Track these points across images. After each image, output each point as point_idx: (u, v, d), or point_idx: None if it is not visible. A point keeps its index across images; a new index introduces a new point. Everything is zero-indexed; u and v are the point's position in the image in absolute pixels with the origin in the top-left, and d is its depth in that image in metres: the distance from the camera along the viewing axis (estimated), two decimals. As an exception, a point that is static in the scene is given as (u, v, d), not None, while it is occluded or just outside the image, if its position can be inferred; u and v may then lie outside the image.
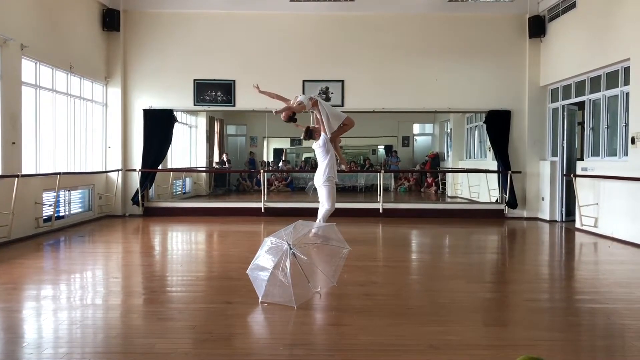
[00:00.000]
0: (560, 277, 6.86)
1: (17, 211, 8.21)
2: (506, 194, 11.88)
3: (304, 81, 12.07)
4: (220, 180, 18.35)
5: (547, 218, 11.59)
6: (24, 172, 8.65)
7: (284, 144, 22.11)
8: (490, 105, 12.11)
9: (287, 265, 4.63)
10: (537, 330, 4.36)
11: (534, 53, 11.96)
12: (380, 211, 11.97)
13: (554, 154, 11.70)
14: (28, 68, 9.01)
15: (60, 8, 10.01)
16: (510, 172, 11.79)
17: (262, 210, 11.95)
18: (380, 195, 12.34)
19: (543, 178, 11.83)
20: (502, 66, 12.08)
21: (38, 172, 9.27)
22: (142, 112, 12.03)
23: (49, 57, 9.59)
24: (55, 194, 9.46)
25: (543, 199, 11.81)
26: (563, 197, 11.41)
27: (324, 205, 8.24)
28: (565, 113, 11.26)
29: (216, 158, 18.35)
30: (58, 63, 9.91)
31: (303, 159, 21.70)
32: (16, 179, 8.12)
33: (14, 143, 8.40)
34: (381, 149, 22.19)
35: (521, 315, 4.90)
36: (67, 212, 10.32)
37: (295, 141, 21.67)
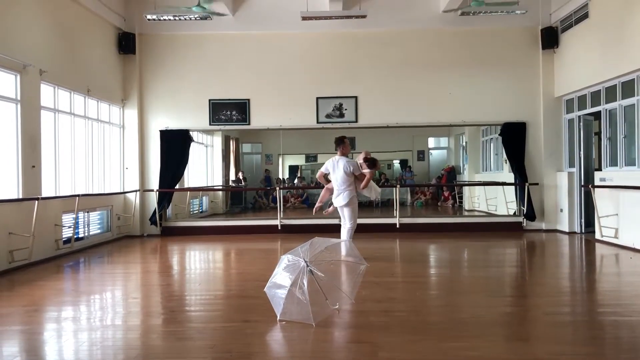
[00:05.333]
0: (581, 289, 6.75)
1: (37, 233, 8.31)
2: (524, 207, 11.77)
3: (317, 98, 12.14)
4: (237, 198, 18.42)
5: (567, 230, 11.45)
6: (44, 194, 8.76)
7: (299, 160, 22.19)
8: (505, 117, 12.07)
9: (305, 282, 4.63)
10: (559, 345, 4.30)
11: (548, 64, 11.92)
12: (397, 226, 11.92)
13: (571, 165, 11.60)
14: (47, 92, 9.18)
15: (77, 33, 10.22)
16: (527, 184, 11.70)
17: (279, 228, 11.96)
18: (396, 210, 12.27)
19: (561, 189, 11.71)
20: (515, 78, 12.05)
21: (57, 195, 9.40)
22: (158, 132, 12.18)
23: (67, 81, 9.77)
24: (74, 215, 9.57)
25: (561, 210, 11.69)
26: (582, 208, 11.27)
27: (346, 225, 8.21)
28: (581, 123, 11.17)
29: (232, 176, 18.46)
30: (76, 87, 10.09)
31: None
32: (36, 201, 8.24)
33: (33, 166, 8.55)
34: (396, 163, 22.17)
35: (543, 329, 4.83)
36: (86, 234, 10.42)
37: (310, 158, 21.74)
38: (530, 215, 11.77)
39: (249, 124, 12.30)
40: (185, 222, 12.70)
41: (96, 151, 11.03)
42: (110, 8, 11.25)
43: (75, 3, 10.01)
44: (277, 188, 13.39)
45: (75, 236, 9.67)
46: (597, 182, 10.26)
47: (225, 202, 17.37)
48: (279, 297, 4.83)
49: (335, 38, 12.23)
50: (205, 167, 16.47)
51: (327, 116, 12.17)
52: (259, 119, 12.25)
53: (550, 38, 11.71)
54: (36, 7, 8.89)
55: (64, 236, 9.43)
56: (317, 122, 12.21)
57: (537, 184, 11.85)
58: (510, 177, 12.57)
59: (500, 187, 13.09)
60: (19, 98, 8.27)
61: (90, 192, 10.58)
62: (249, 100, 12.21)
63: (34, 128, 8.63)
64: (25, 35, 8.53)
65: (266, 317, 4.99)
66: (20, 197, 8.22)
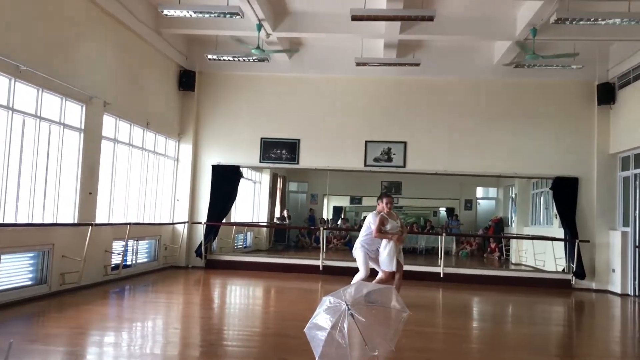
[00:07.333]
0: (633, 355, 6.45)
1: (88, 258, 8.59)
2: (573, 264, 11.38)
3: (366, 142, 12.26)
4: (280, 235, 18.56)
5: (619, 291, 10.99)
6: (97, 221, 9.09)
7: (344, 202, 22.22)
8: (557, 171, 11.85)
9: (345, 326, 4.61)
10: (606, 412, 4.12)
11: (603, 120, 11.70)
12: (441, 275, 11.70)
13: (626, 224, 11.21)
14: (108, 123, 9.62)
15: (141, 69, 10.73)
16: (577, 240, 11.35)
17: (320, 268, 11.94)
18: (441, 258, 12.07)
19: (613, 249, 11.30)
20: (569, 132, 11.88)
21: (110, 222, 9.72)
22: (210, 167, 12.51)
23: (128, 114, 10.22)
24: (124, 243, 9.85)
25: (614, 270, 11.25)
26: (636, 269, 10.83)
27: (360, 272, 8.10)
28: (638, 182, 10.85)
29: (277, 214, 18.65)
30: (136, 119, 10.54)
31: (362, 218, 21.66)
32: (90, 227, 8.55)
33: (90, 193, 8.90)
34: (443, 211, 21.92)
35: (589, 394, 4.65)
36: (133, 261, 10.68)
37: (355, 200, 21.77)
38: (580, 274, 11.36)
39: (297, 164, 12.49)
40: (229, 256, 12.84)
41: (150, 182, 11.41)
42: (174, 47, 11.79)
43: (142, 41, 10.55)
44: (321, 228, 13.43)
45: (123, 263, 9.93)
46: (652, 244, 9.89)
47: (269, 239, 17.52)
48: (318, 338, 4.81)
49: (387, 84, 12.41)
50: (252, 203, 16.73)
51: (375, 160, 12.25)
52: (307, 159, 12.44)
53: (606, 94, 11.53)
54: (105, 43, 9.40)
55: (112, 263, 9.70)
56: (365, 165, 12.30)
57: (588, 241, 11.48)
58: (560, 232, 12.23)
59: (550, 242, 12.74)
60: (83, 127, 8.70)
61: (141, 221, 10.90)
62: (299, 140, 12.44)
63: (94, 156, 9.03)
64: (93, 68, 9.01)
65: (304, 357, 4.98)
66: (76, 222, 8.56)
